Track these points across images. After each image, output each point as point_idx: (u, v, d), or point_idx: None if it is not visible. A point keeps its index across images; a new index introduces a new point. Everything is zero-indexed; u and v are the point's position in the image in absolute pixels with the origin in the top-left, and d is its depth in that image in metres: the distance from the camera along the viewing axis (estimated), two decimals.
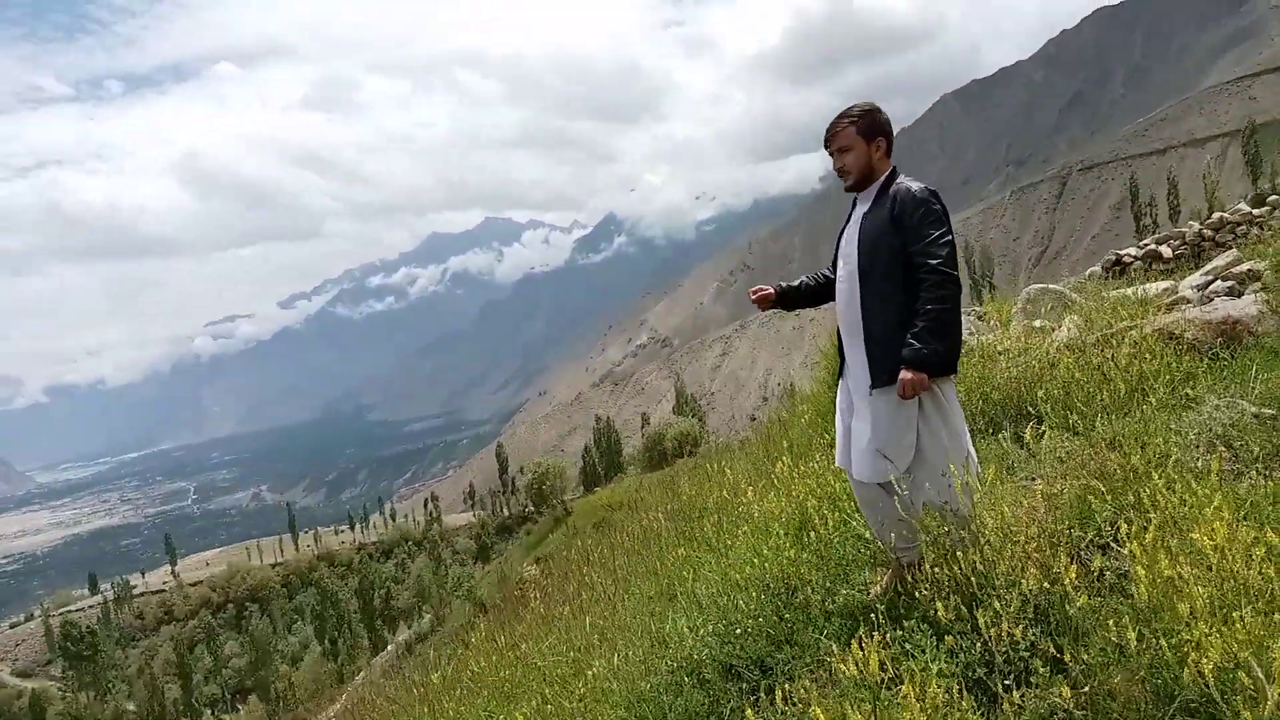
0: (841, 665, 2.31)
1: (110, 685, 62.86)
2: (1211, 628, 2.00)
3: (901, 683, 2.21)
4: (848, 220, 3.67)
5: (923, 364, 3.20)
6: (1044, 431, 3.95)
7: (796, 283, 3.91)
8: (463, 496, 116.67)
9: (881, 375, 3.36)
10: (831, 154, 3.59)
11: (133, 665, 68.95)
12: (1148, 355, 4.67)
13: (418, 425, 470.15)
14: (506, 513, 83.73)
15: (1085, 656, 2.22)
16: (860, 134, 3.53)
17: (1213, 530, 2.23)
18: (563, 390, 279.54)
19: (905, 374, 3.21)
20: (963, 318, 3.51)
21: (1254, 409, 3.74)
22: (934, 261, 3.27)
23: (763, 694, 2.81)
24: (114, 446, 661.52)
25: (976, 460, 3.37)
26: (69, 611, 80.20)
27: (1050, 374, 4.82)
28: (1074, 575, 2.36)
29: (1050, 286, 7.65)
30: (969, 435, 3.44)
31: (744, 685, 3.09)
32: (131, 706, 59.17)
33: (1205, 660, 1.92)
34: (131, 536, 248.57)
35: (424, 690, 5.07)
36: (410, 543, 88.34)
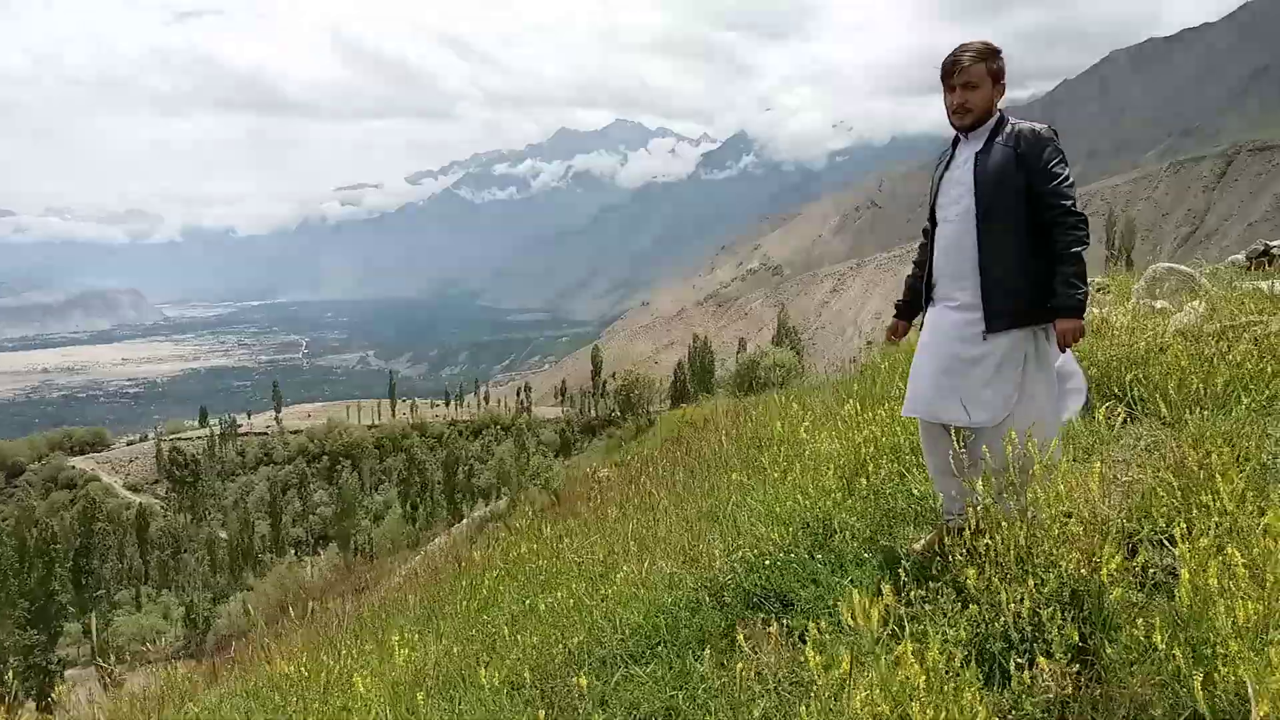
0: (846, 613, 2.26)
1: (206, 512, 67.58)
2: (1245, 646, 1.87)
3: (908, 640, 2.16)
4: (947, 164, 3.53)
5: (1077, 309, 3.12)
6: (1124, 416, 3.73)
7: (907, 290, 3.75)
8: (554, 391, 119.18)
9: (1000, 319, 3.26)
10: (953, 88, 3.43)
11: (230, 498, 73.84)
12: (1267, 354, 4.35)
13: (521, 316, 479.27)
14: (594, 414, 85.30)
15: (1109, 651, 2.12)
16: (990, 73, 3.40)
17: (1271, 545, 2.07)
18: (666, 304, 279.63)
19: (1065, 323, 3.13)
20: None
21: None
22: (1067, 203, 3.21)
23: (774, 626, 2.80)
24: (237, 292, 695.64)
25: (1075, 414, 3.35)
26: (178, 439, 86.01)
27: (1155, 359, 4.55)
28: (1115, 566, 2.23)
29: (1178, 267, 7.16)
30: (1080, 388, 3.42)
31: (761, 615, 3.08)
32: (224, 534, 63.55)
33: (1223, 679, 1.87)
34: (243, 379, 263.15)
35: (464, 565, 5.26)
36: (499, 426, 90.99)
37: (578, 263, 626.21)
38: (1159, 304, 6.56)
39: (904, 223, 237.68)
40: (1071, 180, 3.24)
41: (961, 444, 3.17)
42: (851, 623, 2.27)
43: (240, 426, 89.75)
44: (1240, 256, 9.90)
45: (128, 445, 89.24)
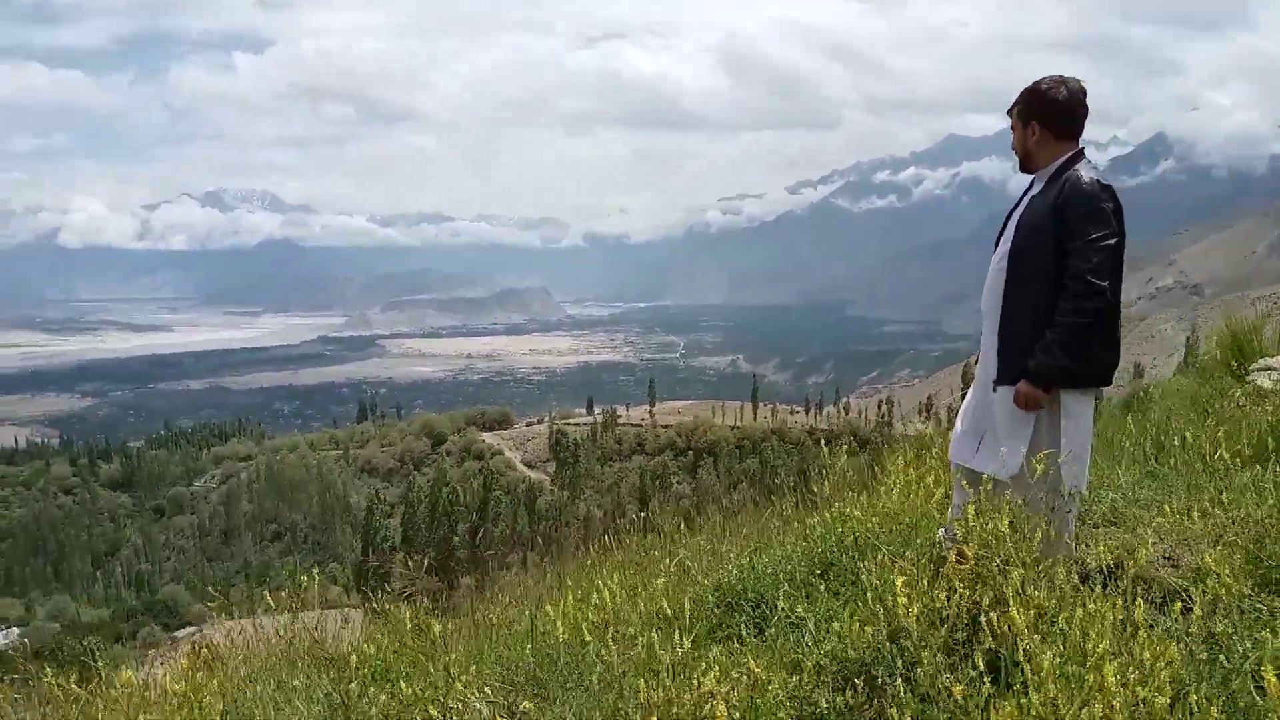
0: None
1: (583, 490, 74.48)
2: None
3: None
4: (1019, 200, 3.45)
5: (1044, 378, 3.01)
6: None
7: None
8: (918, 407, 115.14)
9: (1006, 374, 3.20)
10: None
11: (607, 480, 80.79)
12: None
13: (893, 327, 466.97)
14: None
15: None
16: (1019, 114, 3.33)
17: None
18: None
19: (1023, 385, 3.06)
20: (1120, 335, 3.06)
21: None
22: (1085, 266, 3.02)
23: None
24: (627, 294, 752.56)
25: (1082, 489, 3.09)
26: (568, 423, 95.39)
27: None
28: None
29: None
30: (1082, 464, 3.14)
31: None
32: (599, 512, 69.80)
33: None
34: (626, 374, 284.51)
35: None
36: (855, 437, 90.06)
37: (957, 274, 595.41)
38: None
39: None
40: (1104, 241, 3.02)
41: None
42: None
43: (619, 417, 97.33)
44: None
45: (527, 426, 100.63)
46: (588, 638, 2.49)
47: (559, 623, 2.54)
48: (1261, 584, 2.56)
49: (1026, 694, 1.90)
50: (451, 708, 2.17)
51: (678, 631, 2.32)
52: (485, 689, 2.26)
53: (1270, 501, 3.08)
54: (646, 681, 2.03)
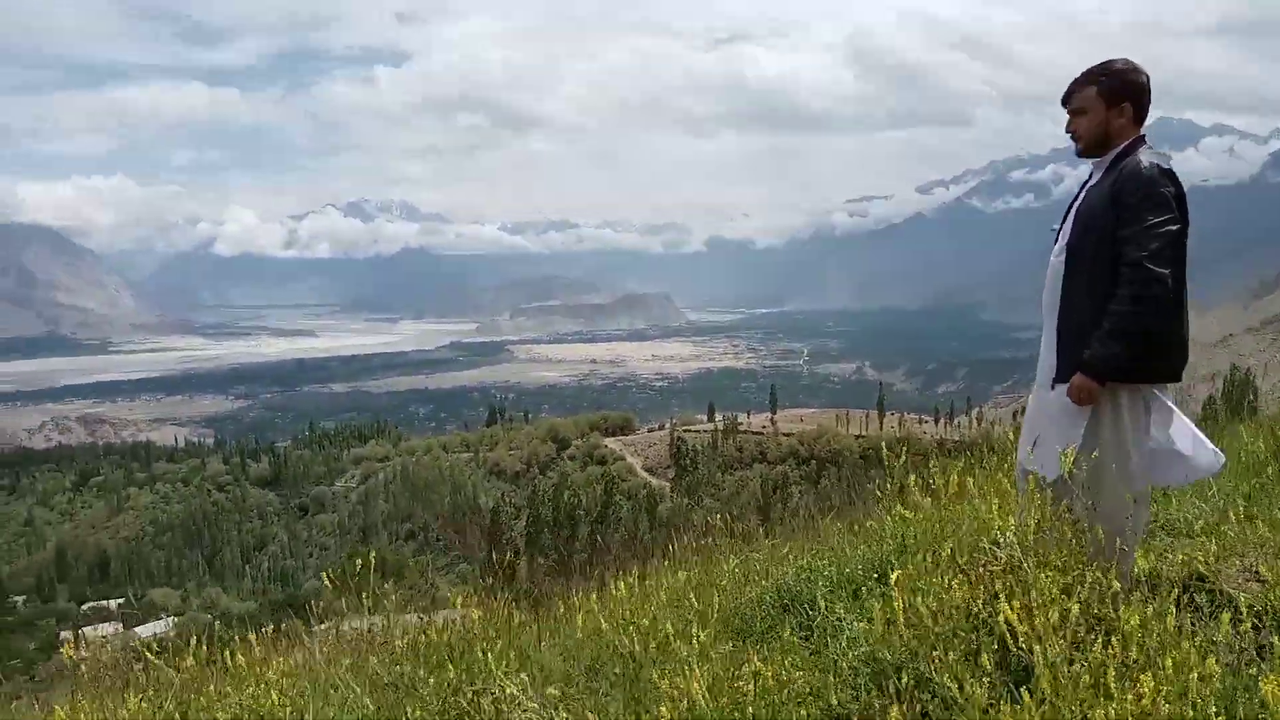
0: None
1: (702, 497, 74.46)
2: None
3: None
4: (1080, 191, 3.34)
5: (1097, 370, 2.87)
6: None
7: None
8: None
9: (1066, 370, 3.05)
10: (1068, 114, 3.26)
11: (727, 489, 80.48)
12: None
13: (1029, 333, 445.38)
14: None
15: None
16: (1101, 95, 3.15)
17: None
18: (1209, 327, 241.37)
19: (1076, 377, 2.93)
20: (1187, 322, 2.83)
21: None
22: (1141, 254, 2.90)
23: None
24: (749, 300, 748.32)
25: (1145, 493, 2.87)
26: (688, 430, 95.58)
27: None
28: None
29: None
30: (1150, 462, 2.94)
31: None
32: (719, 521, 69.75)
33: None
34: (749, 381, 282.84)
35: None
36: (987, 448, 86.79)
37: None
38: None
39: None
40: (1163, 227, 2.89)
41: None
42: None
43: (740, 424, 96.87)
44: None
45: (648, 432, 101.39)
46: (604, 626, 2.58)
47: (580, 617, 2.63)
48: None
49: (1045, 702, 1.87)
50: (490, 692, 2.30)
51: (697, 628, 2.37)
52: (522, 675, 2.38)
53: None
54: (659, 673, 2.09)
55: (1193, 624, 2.13)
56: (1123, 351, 2.90)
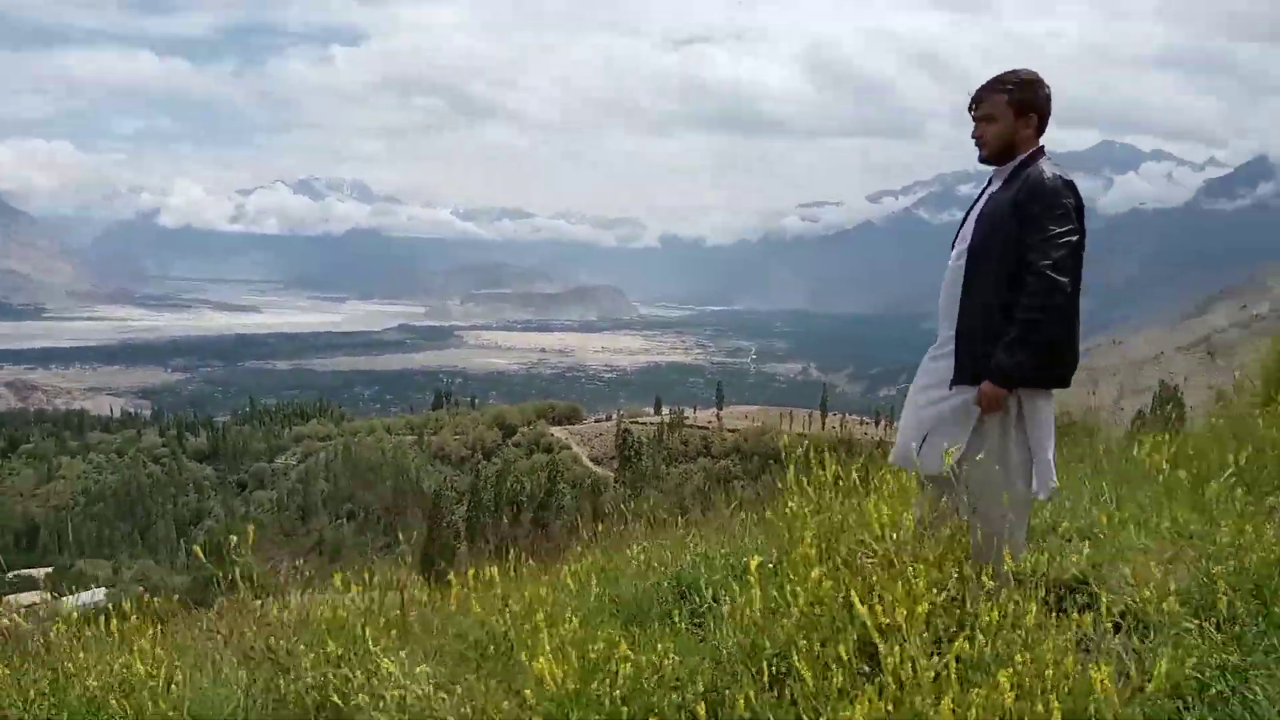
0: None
1: (643, 488, 74.77)
2: None
3: None
4: (978, 197, 3.35)
5: (1007, 378, 2.93)
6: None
7: None
8: None
9: (964, 375, 3.12)
10: (974, 119, 3.25)
11: (671, 480, 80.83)
12: None
13: None
14: None
15: None
16: (1010, 104, 3.16)
17: None
18: (1139, 345, 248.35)
19: (986, 385, 2.97)
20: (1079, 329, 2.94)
21: None
22: (1044, 263, 2.93)
23: None
24: (698, 297, 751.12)
25: (1042, 496, 2.96)
26: (634, 422, 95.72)
27: None
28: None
29: None
30: (1048, 465, 3.01)
31: None
32: (663, 515, 70.11)
33: None
34: (696, 376, 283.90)
35: None
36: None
37: None
38: None
39: None
40: (1065, 238, 2.93)
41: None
42: None
43: (687, 418, 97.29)
44: None
45: (595, 422, 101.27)
46: (477, 610, 2.60)
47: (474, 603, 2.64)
48: (1201, 609, 2.49)
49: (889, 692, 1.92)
50: (365, 667, 2.30)
51: (570, 611, 2.39)
52: (401, 653, 2.38)
53: (1245, 526, 2.98)
54: (526, 655, 2.12)
55: (1058, 623, 2.19)
56: (1028, 359, 2.95)
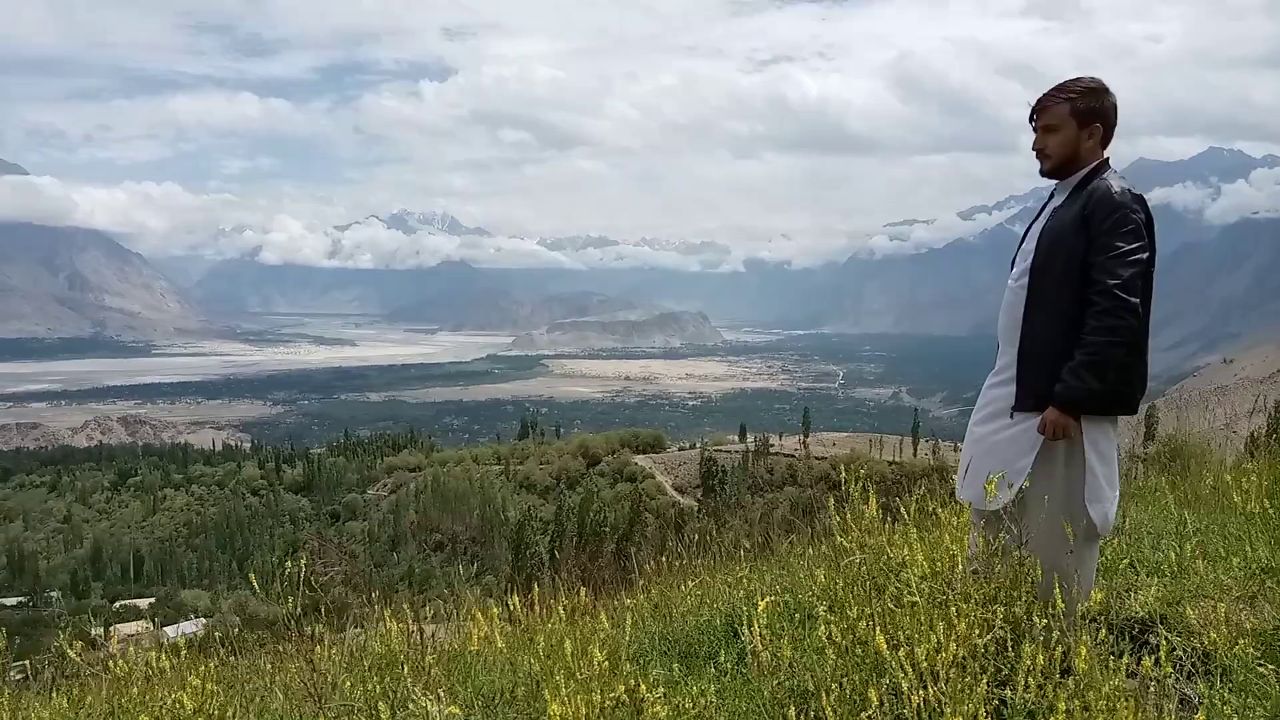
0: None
1: (728, 519, 74.05)
2: None
3: None
4: (1039, 212, 3.20)
5: (1075, 404, 2.74)
6: None
7: None
8: None
9: (1028, 399, 2.92)
10: (1035, 130, 3.11)
11: (757, 510, 79.97)
12: None
13: None
14: (1137, 477, 75.77)
15: None
16: (1074, 114, 3.02)
17: None
18: (1256, 363, 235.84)
19: (1051, 412, 2.78)
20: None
21: None
22: (1112, 282, 2.78)
23: None
24: (786, 321, 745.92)
25: (1105, 526, 2.74)
26: (719, 449, 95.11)
27: None
28: None
29: None
30: (1111, 498, 2.82)
31: None
32: (746, 544, 69.33)
33: None
34: (782, 402, 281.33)
35: None
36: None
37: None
38: None
39: None
40: (1134, 255, 2.78)
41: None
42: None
43: (772, 446, 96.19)
44: None
45: (679, 450, 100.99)
46: (500, 645, 2.60)
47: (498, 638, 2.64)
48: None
49: None
50: (399, 698, 2.32)
51: (596, 649, 2.36)
52: (440, 690, 2.39)
53: None
54: (551, 691, 2.10)
55: (1115, 667, 2.07)
56: (1098, 385, 2.79)
